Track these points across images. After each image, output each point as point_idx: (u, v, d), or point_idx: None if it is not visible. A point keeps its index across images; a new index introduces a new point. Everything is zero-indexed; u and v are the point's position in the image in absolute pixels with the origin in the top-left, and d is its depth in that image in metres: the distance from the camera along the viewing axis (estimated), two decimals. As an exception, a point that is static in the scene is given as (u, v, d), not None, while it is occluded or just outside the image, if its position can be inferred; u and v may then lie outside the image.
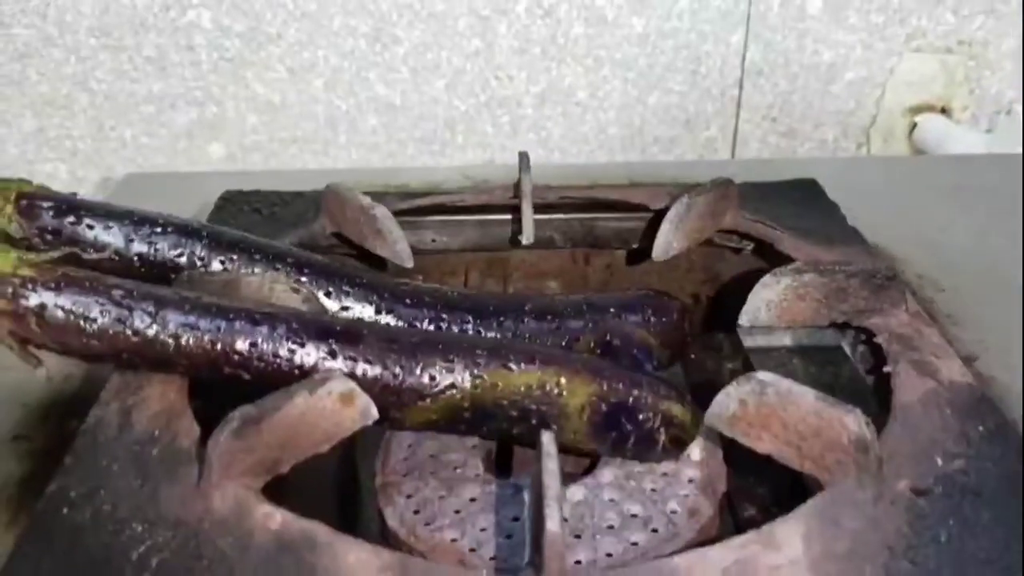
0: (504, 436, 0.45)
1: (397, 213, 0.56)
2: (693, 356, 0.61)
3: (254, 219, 0.58)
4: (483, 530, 0.42)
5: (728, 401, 0.38)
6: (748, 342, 0.61)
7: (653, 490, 0.44)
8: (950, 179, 0.70)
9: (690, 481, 0.44)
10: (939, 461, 0.38)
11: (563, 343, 0.49)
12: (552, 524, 0.30)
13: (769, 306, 0.46)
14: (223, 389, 0.41)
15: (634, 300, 0.50)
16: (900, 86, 0.90)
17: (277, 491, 0.37)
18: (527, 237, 0.55)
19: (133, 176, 0.75)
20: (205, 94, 0.89)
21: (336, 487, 0.50)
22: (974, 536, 0.35)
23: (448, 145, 0.91)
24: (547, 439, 0.35)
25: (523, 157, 0.58)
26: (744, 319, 0.46)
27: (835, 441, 0.35)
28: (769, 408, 0.37)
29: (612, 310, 0.50)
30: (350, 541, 0.33)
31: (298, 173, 0.83)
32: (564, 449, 0.45)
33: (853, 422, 0.35)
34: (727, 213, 0.55)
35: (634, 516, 0.42)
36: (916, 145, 0.91)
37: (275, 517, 0.34)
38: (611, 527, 0.42)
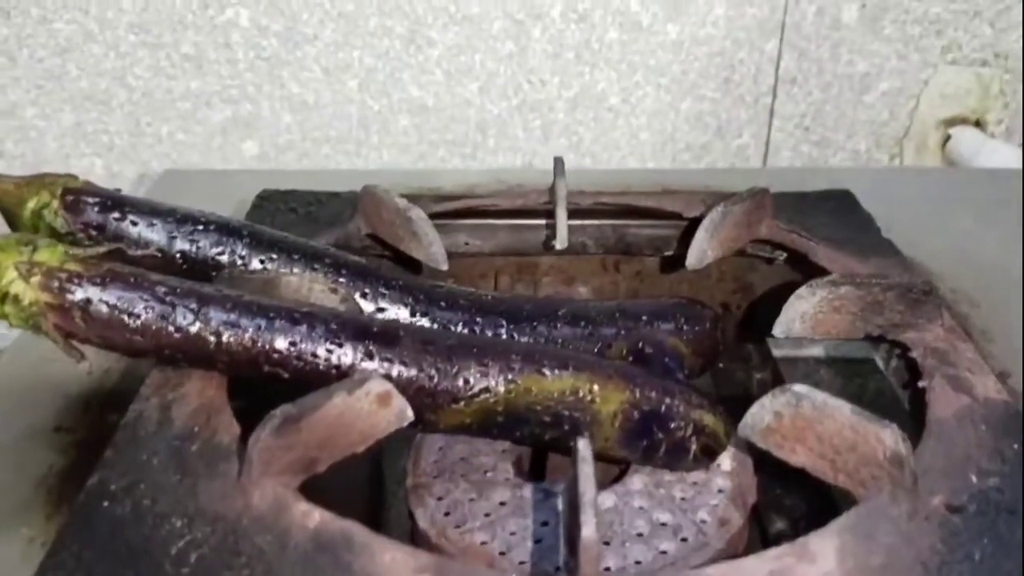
0: (537, 441, 0.45)
1: (431, 216, 0.56)
2: (722, 366, 0.62)
3: (290, 218, 0.59)
4: (513, 534, 0.42)
5: (763, 413, 0.38)
6: (777, 352, 0.61)
7: (683, 499, 0.44)
8: (983, 192, 0.70)
9: (720, 491, 0.44)
10: (974, 478, 0.38)
11: (596, 349, 0.49)
12: (588, 530, 0.31)
13: (804, 318, 0.46)
14: (261, 388, 0.41)
15: (667, 308, 0.51)
16: (934, 98, 0.90)
17: (310, 491, 0.37)
18: (561, 242, 0.55)
19: (171, 172, 0.76)
20: (241, 92, 0.90)
21: (365, 488, 0.50)
22: (1008, 555, 0.35)
23: (479, 148, 0.92)
24: (583, 445, 0.36)
25: (558, 162, 0.59)
26: (778, 330, 0.47)
27: (870, 456, 0.35)
28: (804, 421, 0.37)
29: (645, 317, 0.50)
30: (386, 542, 0.33)
31: (332, 173, 0.84)
32: (596, 456, 0.45)
33: (890, 437, 0.35)
34: (762, 223, 0.55)
35: (663, 524, 0.43)
36: (949, 157, 0.90)
37: (313, 516, 0.34)
38: (640, 535, 0.42)
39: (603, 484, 0.45)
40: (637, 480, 0.45)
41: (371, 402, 0.37)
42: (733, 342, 0.64)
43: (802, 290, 0.46)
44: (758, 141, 0.92)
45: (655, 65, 0.89)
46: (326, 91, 0.90)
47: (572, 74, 0.90)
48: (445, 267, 0.53)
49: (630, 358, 0.49)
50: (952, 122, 0.90)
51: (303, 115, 0.91)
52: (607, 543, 0.41)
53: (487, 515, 0.43)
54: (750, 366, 0.64)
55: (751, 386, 0.63)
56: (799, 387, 0.37)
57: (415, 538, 0.43)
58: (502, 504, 0.44)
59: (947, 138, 0.90)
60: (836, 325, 0.46)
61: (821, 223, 0.58)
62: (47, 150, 0.92)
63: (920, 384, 0.42)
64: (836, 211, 0.60)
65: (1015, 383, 0.46)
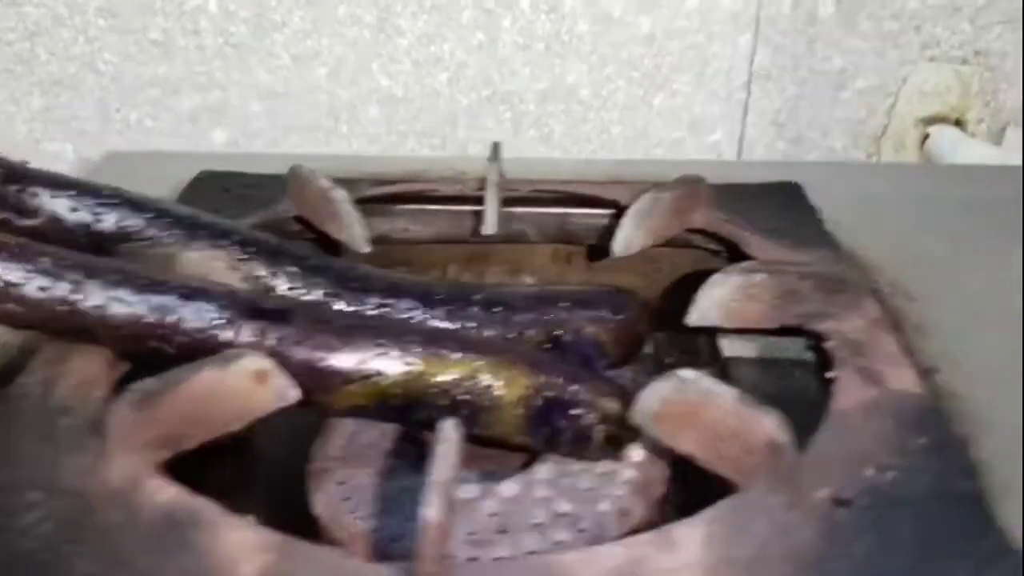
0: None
1: (366, 200, 0.55)
2: (669, 360, 0.60)
3: (223, 199, 0.58)
4: (408, 520, 0.41)
5: (652, 399, 0.37)
6: (728, 352, 0.59)
7: (588, 489, 0.43)
8: (949, 189, 0.68)
9: (627, 482, 0.43)
10: (870, 472, 0.36)
11: (511, 335, 0.48)
12: (428, 511, 0.30)
13: (718, 306, 0.45)
14: (156, 365, 0.40)
15: (588, 295, 0.49)
16: (913, 96, 0.88)
17: (213, 471, 0.36)
18: (489, 227, 0.54)
19: (115, 155, 0.75)
20: (209, 79, 0.89)
21: (276, 471, 0.49)
22: (891, 551, 0.33)
23: (449, 139, 0.91)
24: (449, 426, 0.34)
25: (495, 147, 0.57)
26: (692, 318, 0.45)
27: (751, 444, 0.34)
28: (690, 407, 0.36)
29: (564, 304, 0.49)
30: (235, 521, 0.32)
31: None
32: (500, 443, 0.44)
33: (770, 425, 0.34)
34: (696, 211, 0.54)
35: (563, 515, 0.41)
36: (928, 156, 0.88)
37: (166, 493, 0.33)
38: (538, 525, 0.41)
39: (508, 473, 0.43)
40: (544, 469, 0.44)
41: (247, 379, 0.36)
42: (675, 332, 0.62)
43: (716, 277, 0.44)
44: (732, 137, 0.90)
45: (627, 58, 0.88)
46: (295, 79, 0.89)
47: (543, 66, 0.88)
48: (366, 249, 0.52)
49: (547, 345, 0.48)
50: (931, 120, 0.88)
51: (272, 103, 0.90)
52: (503, 532, 0.40)
53: (386, 501, 0.42)
54: (700, 361, 0.63)
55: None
56: (686, 372, 0.36)
57: (311, 523, 0.42)
58: (404, 490, 0.43)
59: (926, 137, 0.88)
60: (752, 314, 0.45)
61: (764, 214, 0.56)
62: (16, 134, 0.91)
63: (828, 375, 0.41)
64: (781, 204, 0.59)
65: (944, 379, 0.44)
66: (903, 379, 0.42)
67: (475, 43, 0.88)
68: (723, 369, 0.59)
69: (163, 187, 0.61)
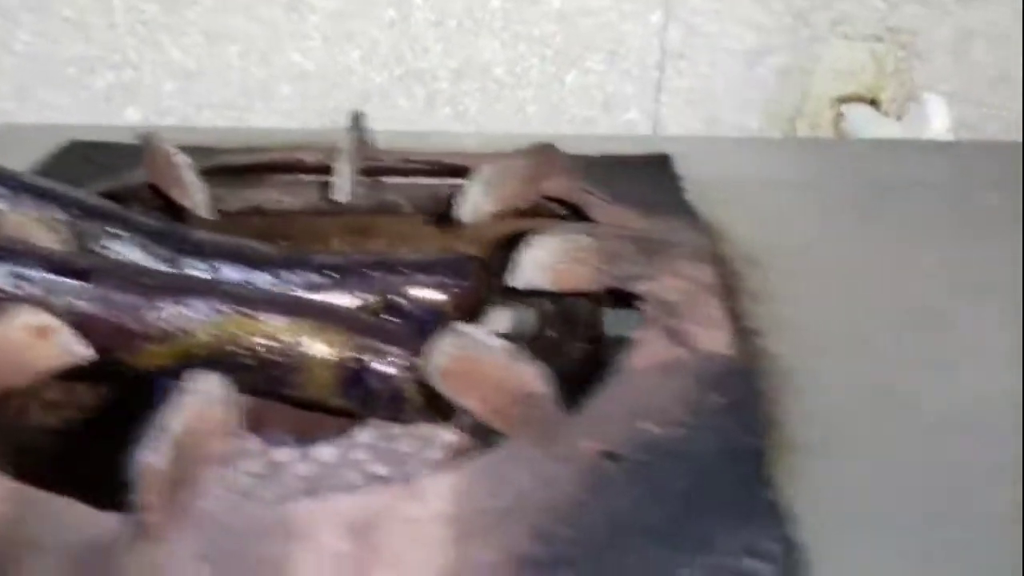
0: (249, 389, 0.43)
1: (221, 168, 0.55)
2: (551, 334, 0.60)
3: (86, 169, 0.58)
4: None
5: (437, 355, 0.37)
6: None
7: (406, 453, 0.43)
8: (840, 164, 0.68)
9: (445, 445, 0.43)
10: (653, 428, 0.36)
11: (346, 300, 0.47)
12: (145, 455, 0.29)
13: (540, 267, 0.44)
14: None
15: (428, 261, 0.49)
16: (827, 74, 0.87)
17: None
18: (340, 194, 0.54)
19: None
20: (123, 58, 0.89)
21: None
22: (656, 504, 0.33)
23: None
24: (205, 379, 0.34)
25: (356, 117, 0.57)
26: (516, 280, 0.45)
27: (516, 395, 0.34)
28: (469, 362, 0.35)
29: (402, 269, 0.48)
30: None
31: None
32: (319, 407, 0.44)
33: (530, 376, 0.33)
34: (547, 179, 0.53)
35: (379, 477, 0.41)
36: (843, 135, 0.88)
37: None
38: (354, 486, 0.41)
39: (328, 437, 0.43)
40: (365, 434, 0.43)
41: (25, 334, 0.36)
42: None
43: (535, 238, 0.44)
44: (646, 116, 0.90)
45: (540, 35, 0.87)
46: (207, 57, 0.89)
47: (456, 43, 0.88)
48: (209, 215, 0.51)
49: (384, 310, 0.48)
50: (846, 99, 0.88)
51: (185, 82, 0.90)
52: (311, 494, 0.40)
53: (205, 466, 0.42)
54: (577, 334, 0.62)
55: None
56: (463, 326, 0.36)
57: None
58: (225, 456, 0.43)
59: (841, 116, 0.88)
60: (574, 275, 0.44)
61: (627, 185, 0.56)
62: (-66, 114, 0.91)
63: (631, 335, 0.40)
64: (647, 175, 0.58)
65: (764, 342, 0.44)
66: (715, 341, 0.41)
67: (387, 20, 0.87)
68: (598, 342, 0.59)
69: (28, 158, 0.61)
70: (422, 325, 0.48)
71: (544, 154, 0.53)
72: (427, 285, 0.48)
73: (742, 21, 0.86)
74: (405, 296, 0.48)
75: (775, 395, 0.40)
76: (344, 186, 0.53)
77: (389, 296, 0.48)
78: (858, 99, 0.88)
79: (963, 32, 0.86)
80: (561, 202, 0.54)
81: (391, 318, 0.47)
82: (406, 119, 0.90)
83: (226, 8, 0.87)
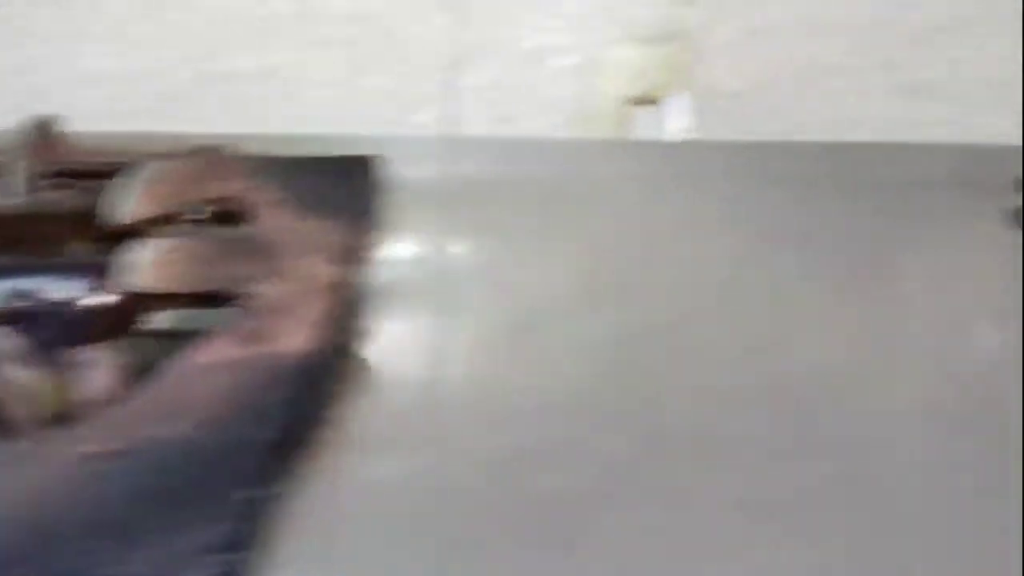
0: None
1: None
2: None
3: None
4: None
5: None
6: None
7: None
8: (574, 165, 0.69)
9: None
10: (163, 428, 0.37)
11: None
12: None
13: (143, 270, 0.45)
14: None
15: (63, 265, 0.50)
16: (613, 75, 0.89)
17: None
18: (12, 196, 0.54)
19: None
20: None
21: None
22: (129, 501, 0.34)
23: (160, 117, 0.91)
24: None
25: (38, 122, 0.58)
26: (116, 283, 0.46)
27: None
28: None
29: (29, 274, 0.49)
30: None
31: None
32: None
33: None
34: (214, 181, 0.54)
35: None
36: (632, 134, 0.89)
37: None
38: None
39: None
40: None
41: None
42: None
43: (136, 242, 0.45)
44: (440, 118, 0.91)
45: (333, 38, 0.89)
46: (4, 59, 0.90)
47: (250, 46, 0.89)
48: None
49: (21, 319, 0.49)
50: (634, 100, 0.89)
51: (-17, 85, 0.91)
52: None
53: None
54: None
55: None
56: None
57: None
58: None
59: (630, 116, 0.89)
60: (179, 276, 0.45)
61: (321, 189, 0.57)
62: None
63: (205, 333, 0.42)
64: (348, 178, 0.59)
65: (344, 339, 0.45)
66: (296, 341, 0.43)
67: (180, 22, 0.88)
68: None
69: None
70: (64, 333, 0.49)
71: (211, 156, 0.54)
72: (59, 291, 0.49)
73: (530, 23, 0.88)
74: (34, 301, 0.49)
75: (346, 395, 0.41)
76: (17, 187, 0.54)
77: (16, 303, 0.49)
78: (644, 99, 0.89)
79: (746, 32, 0.88)
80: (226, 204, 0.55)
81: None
82: (204, 120, 0.91)
83: (29, 7, 0.88)
